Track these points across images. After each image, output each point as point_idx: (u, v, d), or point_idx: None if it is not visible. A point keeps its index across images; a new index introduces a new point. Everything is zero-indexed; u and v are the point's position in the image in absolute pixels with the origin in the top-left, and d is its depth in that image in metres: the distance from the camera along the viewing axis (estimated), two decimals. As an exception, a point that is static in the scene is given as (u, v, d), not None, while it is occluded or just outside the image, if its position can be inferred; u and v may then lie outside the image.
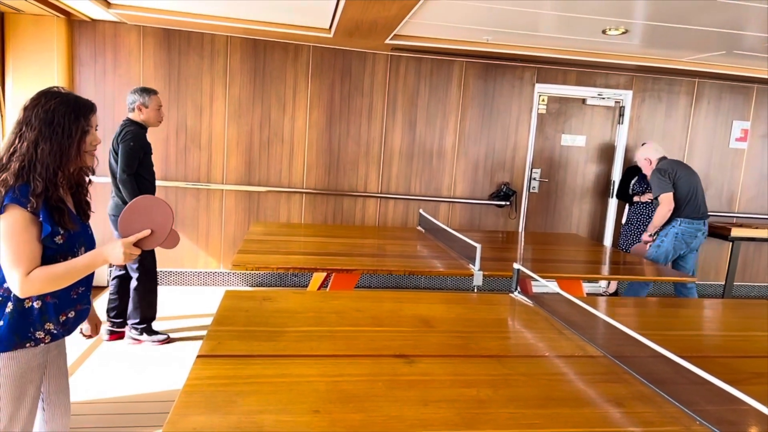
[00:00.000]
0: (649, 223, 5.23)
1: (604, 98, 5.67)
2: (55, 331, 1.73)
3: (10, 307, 1.63)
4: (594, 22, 3.76)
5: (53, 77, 4.59)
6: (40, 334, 1.69)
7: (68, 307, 1.76)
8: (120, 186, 3.55)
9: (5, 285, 1.62)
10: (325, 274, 3.95)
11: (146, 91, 3.64)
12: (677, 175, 4.35)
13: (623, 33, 4.00)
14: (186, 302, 4.75)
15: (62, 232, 1.67)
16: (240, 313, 2.07)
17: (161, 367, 3.48)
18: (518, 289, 2.59)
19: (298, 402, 1.41)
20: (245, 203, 5.22)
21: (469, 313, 2.29)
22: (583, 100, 5.67)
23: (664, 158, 4.53)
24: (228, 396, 1.42)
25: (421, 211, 4.69)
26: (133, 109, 3.63)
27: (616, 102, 5.71)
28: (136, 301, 3.72)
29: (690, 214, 4.37)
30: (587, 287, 5.02)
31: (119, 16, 4.42)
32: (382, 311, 2.23)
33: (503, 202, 5.58)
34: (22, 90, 4.56)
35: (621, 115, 5.73)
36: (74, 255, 1.72)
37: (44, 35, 4.54)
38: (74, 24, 4.70)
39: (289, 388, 1.48)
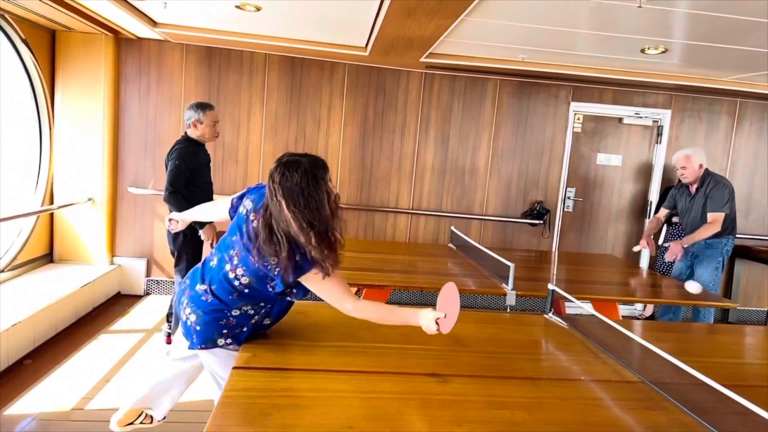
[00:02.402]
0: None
1: (641, 117, 5.58)
2: None
3: (255, 319, 1.99)
4: (633, 41, 3.73)
5: (100, 94, 4.77)
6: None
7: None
8: (166, 201, 3.60)
9: (261, 304, 1.96)
10: (356, 289, 3.96)
11: (201, 107, 3.64)
12: (731, 193, 4.10)
13: (663, 52, 3.95)
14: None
15: None
16: (275, 326, 2.10)
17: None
18: (552, 310, 2.56)
19: (332, 417, 1.42)
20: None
21: (502, 333, 2.27)
22: (620, 119, 5.59)
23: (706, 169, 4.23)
24: (263, 408, 1.44)
25: (452, 228, 4.68)
26: (189, 126, 3.66)
27: (654, 121, 5.61)
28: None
29: (734, 231, 4.20)
30: (623, 310, 4.90)
31: (164, 34, 4.59)
32: (413, 328, 2.22)
33: (536, 221, 5.52)
34: (70, 105, 4.76)
35: (659, 134, 5.62)
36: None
37: (93, 53, 4.73)
38: (121, 42, 4.90)
39: (323, 403, 1.50)
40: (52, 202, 4.81)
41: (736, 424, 1.49)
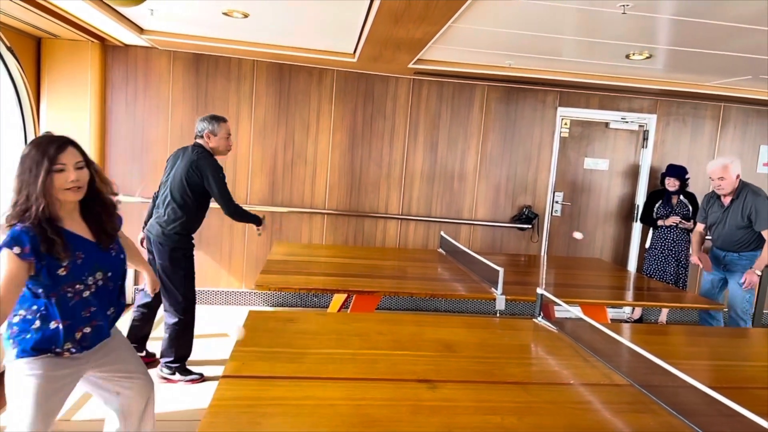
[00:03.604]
0: (673, 247, 5.13)
1: (627, 122, 5.64)
2: (74, 350, 1.89)
3: (37, 324, 1.84)
4: (617, 47, 3.77)
5: (86, 101, 4.74)
6: (59, 351, 1.87)
7: (82, 325, 1.91)
8: (235, 216, 3.58)
9: (34, 308, 1.84)
10: (346, 295, 3.96)
11: (215, 119, 3.52)
12: None
13: (647, 58, 4.00)
14: (207, 321, 4.79)
15: (64, 264, 1.82)
16: (264, 333, 2.09)
17: (183, 385, 3.50)
18: (541, 314, 2.57)
19: (322, 425, 1.42)
20: (268, 223, 5.27)
21: (492, 338, 2.28)
22: (607, 124, 5.65)
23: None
24: (252, 417, 1.43)
25: (442, 233, 4.69)
26: (202, 137, 3.51)
27: (639, 126, 5.67)
28: (173, 338, 3.51)
29: None
30: (610, 313, 4.93)
31: (151, 41, 4.56)
32: (403, 334, 2.23)
33: (525, 225, 5.55)
34: (56, 113, 4.71)
35: (645, 139, 5.68)
36: (83, 283, 1.88)
37: (79, 60, 4.70)
38: (108, 49, 4.87)
39: (312, 411, 1.49)
40: (37, 211, 4.75)
41: (722, 426, 1.50)
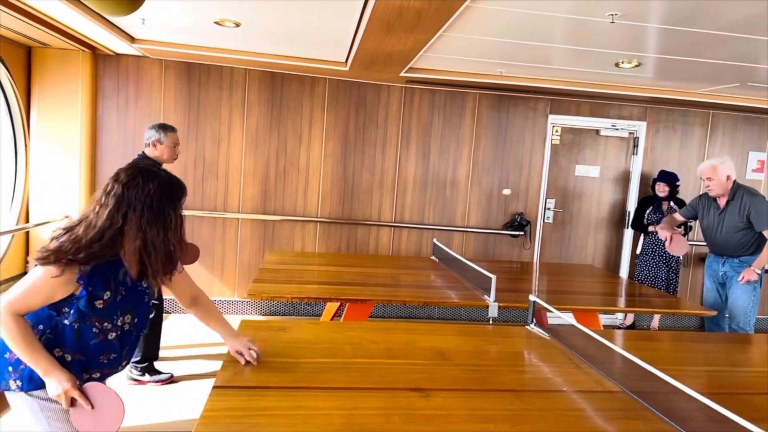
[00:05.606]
0: (664, 253, 5.16)
1: (617, 129, 5.69)
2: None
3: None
4: (607, 55, 3.81)
5: (77, 110, 4.72)
6: None
7: (94, 369, 1.73)
8: None
9: (40, 327, 1.65)
10: (338, 303, 3.94)
11: (163, 128, 3.60)
12: None
13: (636, 66, 4.04)
14: (198, 330, 4.75)
15: (105, 297, 1.66)
16: (256, 343, 2.08)
17: (173, 394, 3.48)
18: (534, 321, 2.57)
19: (314, 435, 1.41)
20: (260, 232, 5.26)
21: (485, 345, 2.28)
22: (597, 131, 5.69)
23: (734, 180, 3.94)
24: (244, 428, 1.42)
25: (435, 240, 4.69)
26: (148, 145, 3.58)
27: (630, 133, 5.72)
28: (143, 337, 3.61)
29: None
30: (603, 319, 4.95)
31: (142, 50, 4.56)
32: (396, 343, 2.22)
33: (517, 232, 5.56)
34: (46, 121, 4.69)
35: (635, 146, 5.73)
36: (113, 322, 1.71)
37: (69, 69, 4.68)
38: (99, 58, 4.85)
39: (304, 421, 1.48)
40: (27, 221, 4.72)
41: (715, 432, 1.51)
